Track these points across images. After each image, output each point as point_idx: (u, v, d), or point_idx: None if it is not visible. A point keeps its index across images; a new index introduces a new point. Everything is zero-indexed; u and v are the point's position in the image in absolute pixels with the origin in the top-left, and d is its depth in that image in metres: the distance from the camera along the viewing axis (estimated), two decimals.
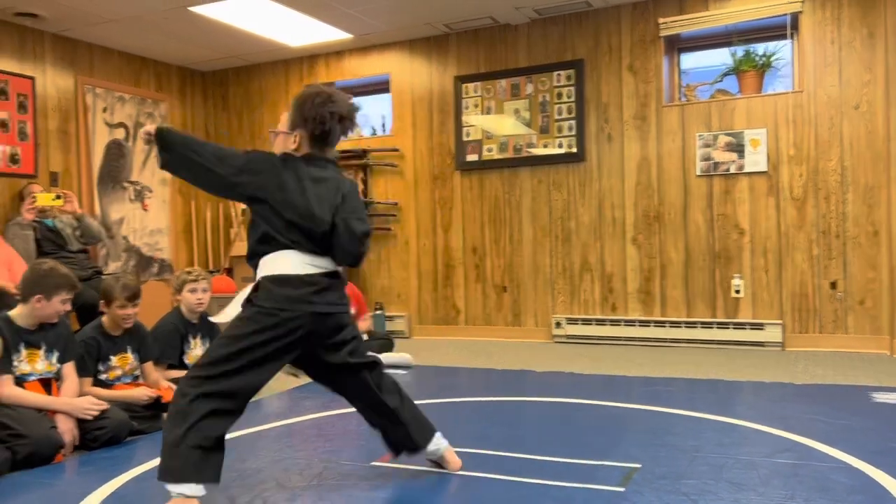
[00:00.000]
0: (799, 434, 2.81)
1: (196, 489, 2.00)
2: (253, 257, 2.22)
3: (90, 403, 2.89)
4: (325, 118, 2.20)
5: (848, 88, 4.88)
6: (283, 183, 2.16)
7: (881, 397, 3.42)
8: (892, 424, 2.94)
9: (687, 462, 2.50)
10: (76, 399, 2.91)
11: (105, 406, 2.94)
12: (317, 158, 2.26)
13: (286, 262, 2.15)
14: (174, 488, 2.00)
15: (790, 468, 2.41)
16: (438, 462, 2.45)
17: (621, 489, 2.24)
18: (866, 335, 4.83)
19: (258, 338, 2.08)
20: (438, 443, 2.42)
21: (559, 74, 5.67)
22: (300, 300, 2.12)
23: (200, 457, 2.01)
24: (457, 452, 2.66)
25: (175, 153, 2.16)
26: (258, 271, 2.20)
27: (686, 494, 2.18)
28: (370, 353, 2.37)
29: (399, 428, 2.35)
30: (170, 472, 2.00)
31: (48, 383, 2.97)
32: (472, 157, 5.97)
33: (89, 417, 2.86)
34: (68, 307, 3.01)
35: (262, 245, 2.19)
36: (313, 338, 2.17)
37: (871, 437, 2.76)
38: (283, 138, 2.28)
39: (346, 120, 2.26)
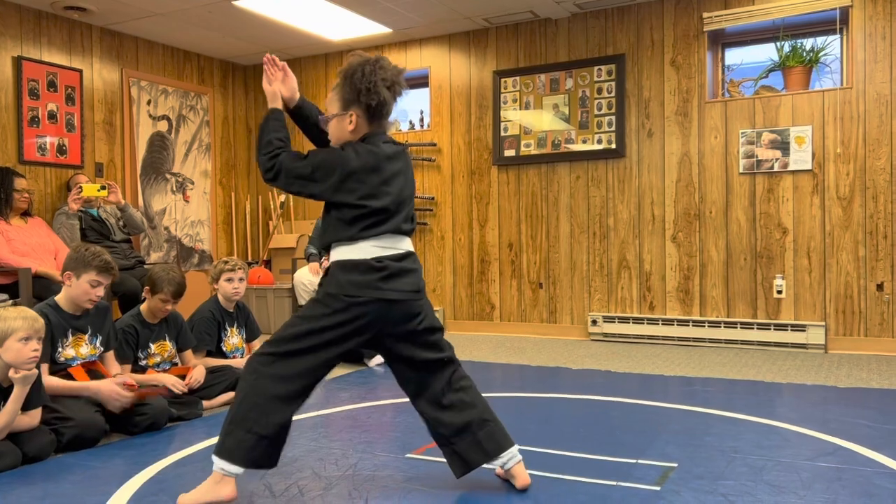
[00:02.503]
0: (842, 438, 2.74)
1: (236, 469, 2.02)
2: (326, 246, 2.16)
3: (118, 395, 2.86)
4: (378, 86, 2.07)
5: None
6: (359, 175, 2.06)
7: None
8: None
9: (725, 463, 2.46)
10: (101, 384, 2.88)
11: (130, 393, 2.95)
12: (380, 135, 2.14)
13: (356, 247, 2.07)
14: (219, 462, 2.01)
15: (833, 472, 2.35)
16: (506, 476, 2.26)
17: (657, 488, 2.21)
18: None
19: (327, 321, 2.03)
20: (510, 454, 2.21)
21: (600, 69, 5.61)
22: (367, 286, 2.04)
23: (255, 442, 2.00)
24: None
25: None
26: (331, 255, 2.14)
27: (724, 495, 2.15)
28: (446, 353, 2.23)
29: (466, 438, 2.18)
30: (224, 450, 2.01)
31: (92, 366, 3.03)
32: (509, 153, 5.94)
33: (114, 406, 2.87)
34: (100, 293, 2.97)
35: (339, 232, 2.10)
36: (381, 325, 2.09)
37: None
38: (336, 122, 2.13)
39: (396, 85, 2.12)
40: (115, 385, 2.88)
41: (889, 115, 4.76)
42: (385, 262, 2.06)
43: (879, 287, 4.80)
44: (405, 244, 2.14)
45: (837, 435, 2.78)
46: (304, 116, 2.27)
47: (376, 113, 2.11)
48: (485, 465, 2.20)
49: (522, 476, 2.22)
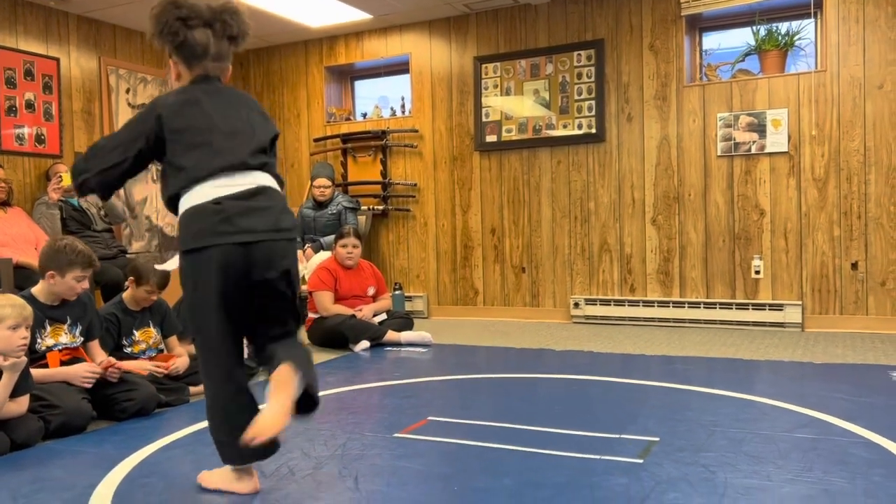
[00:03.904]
0: (818, 410, 2.82)
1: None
2: (171, 202, 1.95)
3: (86, 371, 2.91)
4: (174, 27, 1.90)
5: (872, 68, 4.82)
6: (183, 109, 1.92)
7: None
8: None
9: (705, 436, 2.52)
10: (72, 367, 2.91)
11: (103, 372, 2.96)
12: (209, 80, 1.98)
13: (198, 192, 1.86)
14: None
15: (809, 442, 2.43)
16: None
17: (640, 461, 2.27)
18: (887, 316, 4.81)
19: (191, 290, 1.91)
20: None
21: (579, 54, 5.65)
22: (206, 232, 1.84)
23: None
24: (477, 426, 2.73)
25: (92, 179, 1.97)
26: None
27: (705, 466, 2.21)
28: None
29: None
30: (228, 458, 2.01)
31: (76, 353, 3.04)
32: (491, 138, 5.97)
33: (87, 385, 2.89)
34: (85, 285, 2.99)
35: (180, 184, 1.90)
36: (238, 275, 1.85)
37: (890, 414, 2.76)
38: (171, 77, 2.03)
39: (216, 22, 1.93)
40: (87, 368, 2.91)
41: (862, 97, 4.85)
42: (224, 203, 1.84)
43: (854, 266, 4.90)
44: (256, 179, 1.91)
45: (813, 408, 2.86)
46: None
47: (188, 54, 1.94)
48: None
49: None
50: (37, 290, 2.99)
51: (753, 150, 5.14)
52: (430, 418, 2.85)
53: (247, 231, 1.84)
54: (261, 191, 1.90)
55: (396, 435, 2.62)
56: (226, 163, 1.88)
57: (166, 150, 1.91)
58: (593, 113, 5.61)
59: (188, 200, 1.87)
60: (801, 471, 2.15)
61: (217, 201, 1.84)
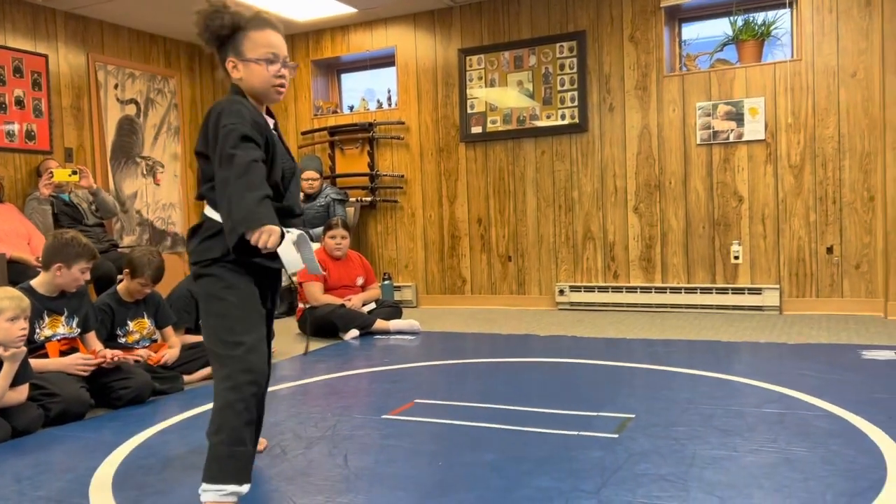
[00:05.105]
0: (788, 387, 2.95)
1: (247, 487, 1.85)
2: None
3: (81, 360, 3.01)
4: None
5: (845, 56, 4.95)
6: None
7: (870, 354, 3.55)
8: (878, 378, 3.08)
9: (679, 412, 2.65)
10: (66, 358, 3.02)
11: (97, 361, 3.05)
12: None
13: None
14: (227, 488, 1.79)
15: (776, 416, 2.55)
16: None
17: (615, 435, 2.39)
18: (861, 298, 4.96)
19: None
20: None
21: (562, 46, 5.75)
22: None
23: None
24: (462, 406, 2.84)
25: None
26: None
27: (676, 439, 2.33)
28: None
29: None
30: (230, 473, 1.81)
31: (73, 341, 3.14)
32: (476, 129, 6.07)
33: (83, 373, 2.99)
34: (87, 276, 3.15)
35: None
36: None
37: (856, 389, 2.90)
38: None
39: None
40: (81, 358, 3.01)
41: (836, 85, 4.98)
42: None
43: (829, 250, 5.05)
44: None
45: (784, 385, 2.99)
46: None
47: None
48: None
49: None
50: (36, 282, 3.08)
51: (732, 139, 5.26)
52: (416, 401, 2.96)
53: None
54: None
55: (384, 416, 2.73)
56: None
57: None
58: (576, 103, 5.71)
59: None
60: (765, 442, 2.28)
61: None
